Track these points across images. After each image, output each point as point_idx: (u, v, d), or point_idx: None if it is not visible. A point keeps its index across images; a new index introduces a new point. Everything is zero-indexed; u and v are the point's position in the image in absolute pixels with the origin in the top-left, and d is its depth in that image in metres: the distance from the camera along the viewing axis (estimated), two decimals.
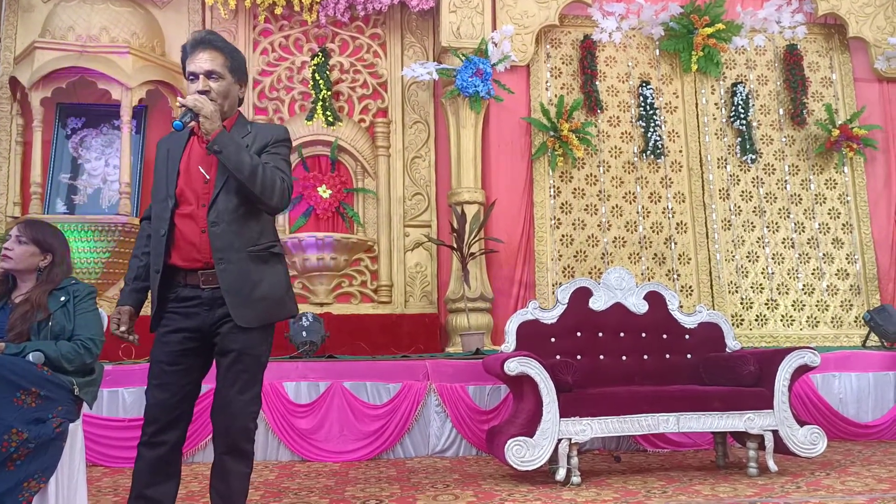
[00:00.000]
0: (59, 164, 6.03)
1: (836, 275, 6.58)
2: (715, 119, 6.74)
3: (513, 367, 3.56)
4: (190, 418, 2.35)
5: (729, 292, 6.45)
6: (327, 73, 6.52)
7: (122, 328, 2.35)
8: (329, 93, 6.48)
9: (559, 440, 3.51)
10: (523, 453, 3.47)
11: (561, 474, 3.49)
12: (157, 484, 2.25)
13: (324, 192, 6.40)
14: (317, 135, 6.47)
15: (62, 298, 2.72)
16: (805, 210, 6.68)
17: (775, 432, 3.66)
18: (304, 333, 5.05)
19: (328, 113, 6.43)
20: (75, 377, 2.64)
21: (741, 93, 6.70)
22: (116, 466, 4.11)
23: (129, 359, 4.93)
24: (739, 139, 6.68)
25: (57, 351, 2.59)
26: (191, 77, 2.29)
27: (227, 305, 2.19)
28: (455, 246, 5.82)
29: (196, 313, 2.24)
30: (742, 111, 6.65)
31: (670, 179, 6.61)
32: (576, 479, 3.49)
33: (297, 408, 4.47)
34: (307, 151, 6.50)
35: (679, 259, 6.49)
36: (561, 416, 3.52)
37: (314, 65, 6.50)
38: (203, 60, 2.26)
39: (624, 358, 4.22)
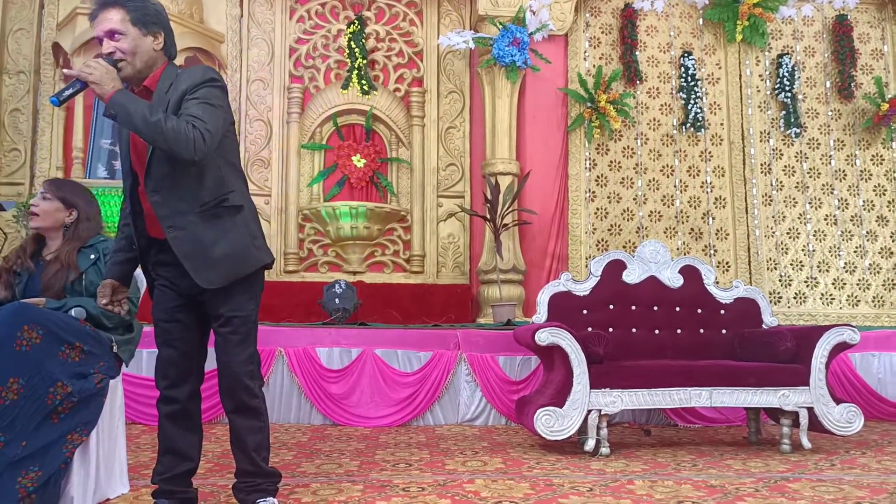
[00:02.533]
0: (100, 130, 6.14)
1: (879, 253, 6.40)
2: (759, 91, 6.56)
3: (544, 337, 3.55)
4: (200, 375, 2.37)
5: (767, 269, 6.33)
6: (363, 41, 6.50)
7: (103, 301, 2.35)
8: (365, 61, 6.46)
9: (589, 411, 3.50)
10: (552, 423, 3.47)
11: (590, 445, 3.49)
12: (180, 437, 2.31)
13: (358, 161, 6.42)
14: (352, 104, 6.48)
15: (92, 256, 2.74)
16: (850, 186, 6.49)
17: (810, 409, 3.61)
18: (336, 300, 5.11)
19: (363, 82, 6.42)
20: (114, 334, 2.71)
21: (787, 64, 6.50)
22: (155, 424, 4.23)
23: None
24: (784, 112, 6.50)
25: (97, 308, 2.65)
26: (98, 43, 2.19)
27: (189, 271, 2.15)
28: (488, 217, 5.80)
29: (175, 277, 2.25)
30: (787, 83, 6.46)
31: (710, 153, 6.47)
32: (605, 450, 3.49)
33: (330, 373, 4.54)
34: (342, 120, 6.51)
35: (716, 234, 6.38)
36: (591, 388, 3.51)
37: (350, 33, 6.49)
38: (102, 22, 2.14)
39: (657, 331, 4.18)
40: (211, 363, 2.35)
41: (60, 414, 2.44)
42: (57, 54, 6.16)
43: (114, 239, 2.52)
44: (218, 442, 3.77)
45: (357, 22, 6.52)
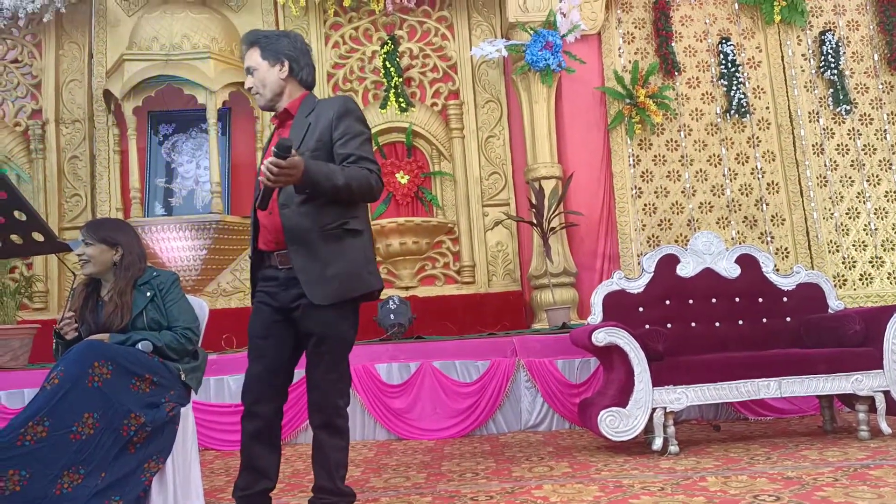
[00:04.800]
0: (154, 170, 6.37)
1: None
2: (803, 71, 6.40)
3: (601, 337, 3.52)
4: (285, 395, 2.43)
5: (829, 252, 6.14)
6: (397, 60, 6.59)
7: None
8: (400, 79, 6.55)
9: (653, 409, 3.44)
10: (617, 424, 3.43)
11: (658, 444, 3.43)
12: (260, 455, 2.37)
13: (402, 178, 6.49)
14: (391, 122, 6.56)
15: (148, 294, 2.81)
16: None
17: (886, 393, 3.47)
18: (391, 316, 5.16)
19: (401, 100, 6.50)
20: (181, 364, 2.80)
21: (830, 41, 6.33)
22: (227, 449, 4.35)
23: (231, 348, 5.19)
24: (831, 90, 6.32)
25: (160, 340, 2.74)
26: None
27: (301, 284, 2.24)
28: (535, 222, 5.79)
29: (276, 292, 2.34)
30: (832, 60, 6.28)
31: (758, 138, 6.33)
32: (674, 448, 3.43)
33: (390, 388, 4.58)
34: (383, 139, 6.60)
35: (772, 220, 6.22)
36: (654, 385, 3.45)
37: (384, 53, 6.58)
38: (245, 60, 2.41)
39: (717, 324, 4.09)
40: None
41: (136, 444, 2.54)
42: (108, 101, 6.42)
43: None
44: (288, 462, 3.84)
45: (390, 42, 6.62)
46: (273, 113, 2.49)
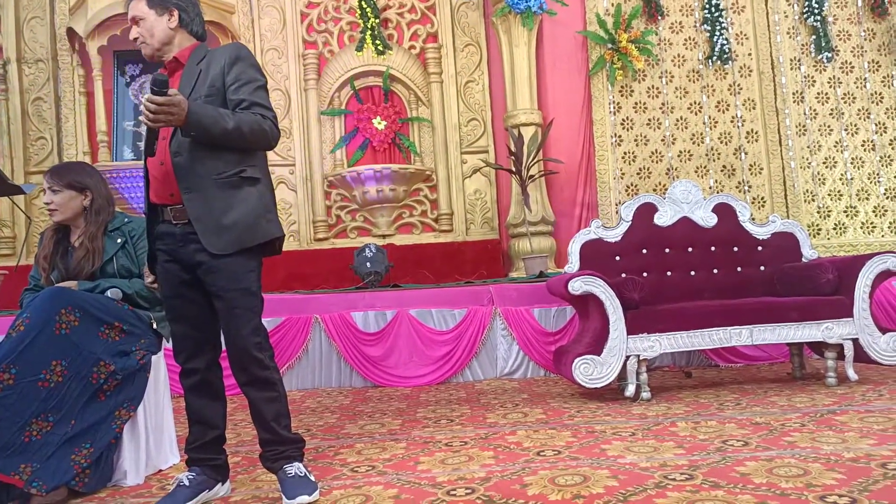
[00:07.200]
0: (122, 112, 6.18)
1: None
2: (787, 17, 6.30)
3: (577, 286, 3.52)
4: (217, 345, 2.38)
5: (805, 201, 6.17)
6: (374, 0, 6.38)
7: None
8: (377, 21, 6.35)
9: (627, 357, 3.48)
10: (591, 371, 3.46)
11: (630, 390, 3.47)
12: (204, 407, 2.35)
13: (378, 123, 6.37)
14: (368, 65, 6.40)
15: (119, 240, 2.75)
16: (887, 109, 6.25)
17: (855, 341, 3.53)
18: (368, 265, 5.13)
19: (377, 42, 6.33)
20: (152, 312, 2.75)
21: None
22: None
23: None
24: (814, 37, 6.24)
25: (131, 288, 2.69)
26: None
27: (198, 234, 2.17)
28: (514, 170, 5.72)
29: (174, 249, 2.26)
30: (816, 6, 6.19)
31: (739, 85, 6.27)
32: (645, 394, 3.48)
33: (366, 336, 4.57)
34: (359, 83, 6.44)
35: (750, 169, 6.21)
36: (629, 334, 3.48)
37: None
38: (130, 10, 2.31)
39: (693, 273, 4.11)
40: None
41: (106, 392, 2.51)
42: (72, 39, 6.17)
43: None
44: None
45: None
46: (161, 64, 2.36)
